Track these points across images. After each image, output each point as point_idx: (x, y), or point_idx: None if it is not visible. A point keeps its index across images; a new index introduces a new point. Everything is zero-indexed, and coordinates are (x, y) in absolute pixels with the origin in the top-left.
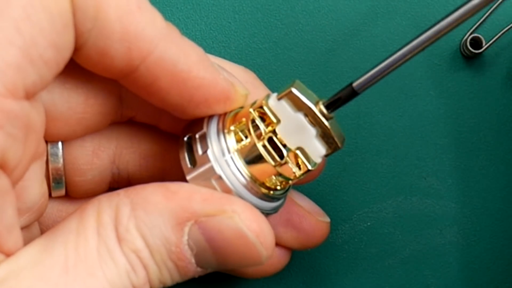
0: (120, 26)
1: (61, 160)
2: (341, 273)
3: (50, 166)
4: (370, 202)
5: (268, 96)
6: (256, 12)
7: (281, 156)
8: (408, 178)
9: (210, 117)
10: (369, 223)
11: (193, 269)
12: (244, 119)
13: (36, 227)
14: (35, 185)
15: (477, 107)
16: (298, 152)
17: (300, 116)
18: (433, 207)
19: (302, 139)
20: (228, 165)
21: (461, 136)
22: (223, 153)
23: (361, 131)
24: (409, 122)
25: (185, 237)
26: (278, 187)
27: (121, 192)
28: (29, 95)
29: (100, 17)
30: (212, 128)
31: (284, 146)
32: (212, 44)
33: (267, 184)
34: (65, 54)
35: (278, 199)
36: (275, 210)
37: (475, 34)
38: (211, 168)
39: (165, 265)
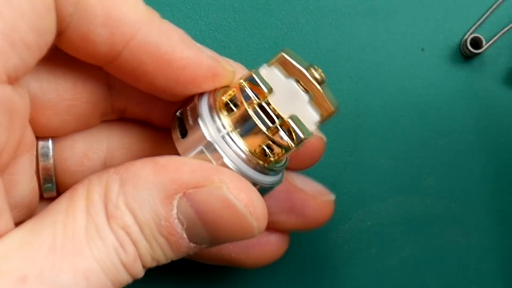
0: (102, 11)
1: (51, 161)
2: (341, 273)
3: (40, 165)
4: (370, 202)
5: (258, 67)
6: (256, 12)
7: (273, 122)
8: (408, 178)
9: (202, 93)
10: (369, 223)
11: (185, 244)
12: (234, 89)
13: None
14: (24, 180)
15: (477, 107)
16: (290, 121)
17: (292, 82)
18: (433, 207)
19: (295, 106)
20: (220, 132)
21: (461, 136)
22: (214, 121)
23: (361, 131)
24: (409, 122)
25: (174, 211)
26: (272, 159)
27: (111, 169)
28: (11, 79)
29: (81, 0)
30: (203, 100)
31: (277, 116)
32: (212, 44)
33: (261, 155)
34: (47, 38)
35: (274, 171)
36: (271, 186)
37: (475, 34)
38: (202, 136)
39: (155, 240)
